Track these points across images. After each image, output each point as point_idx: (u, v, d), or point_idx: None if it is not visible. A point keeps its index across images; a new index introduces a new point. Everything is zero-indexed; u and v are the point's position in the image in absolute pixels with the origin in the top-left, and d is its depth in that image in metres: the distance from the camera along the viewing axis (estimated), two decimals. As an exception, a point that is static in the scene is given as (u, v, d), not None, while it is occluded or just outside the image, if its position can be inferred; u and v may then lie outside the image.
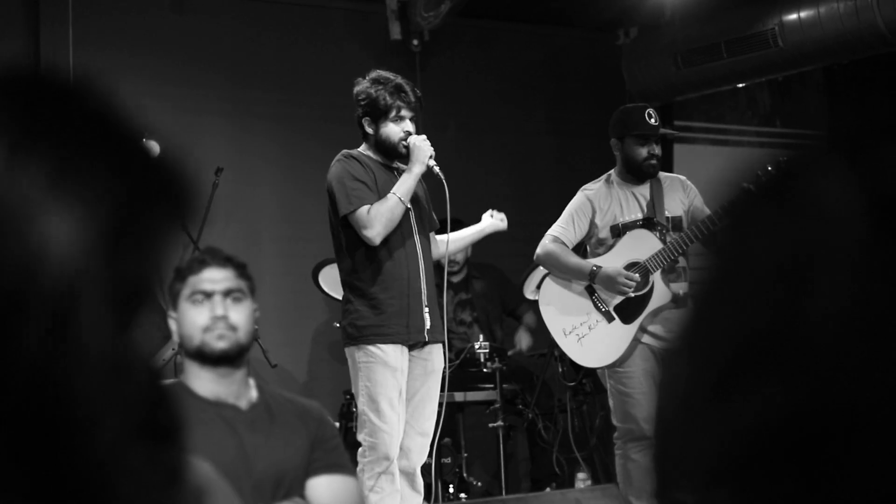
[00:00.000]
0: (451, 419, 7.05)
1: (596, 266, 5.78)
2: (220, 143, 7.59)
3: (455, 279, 7.82)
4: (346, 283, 5.35)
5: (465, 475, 6.96)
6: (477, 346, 6.87)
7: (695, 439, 0.87)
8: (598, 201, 5.93)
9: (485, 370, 6.85)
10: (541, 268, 7.25)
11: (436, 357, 5.33)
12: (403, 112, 5.31)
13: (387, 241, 5.21)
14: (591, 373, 7.33)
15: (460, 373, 6.99)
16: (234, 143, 7.82)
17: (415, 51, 8.27)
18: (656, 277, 5.77)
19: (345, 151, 5.37)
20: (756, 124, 10.08)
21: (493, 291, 7.85)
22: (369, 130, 5.35)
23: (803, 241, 0.83)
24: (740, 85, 9.23)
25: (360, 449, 5.17)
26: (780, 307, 0.83)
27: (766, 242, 0.85)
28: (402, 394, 5.17)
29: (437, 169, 5.35)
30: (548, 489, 7.32)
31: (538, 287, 7.30)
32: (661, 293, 5.78)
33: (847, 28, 7.59)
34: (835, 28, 7.66)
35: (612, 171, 6.05)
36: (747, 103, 10.05)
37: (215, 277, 3.45)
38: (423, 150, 5.28)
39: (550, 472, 7.36)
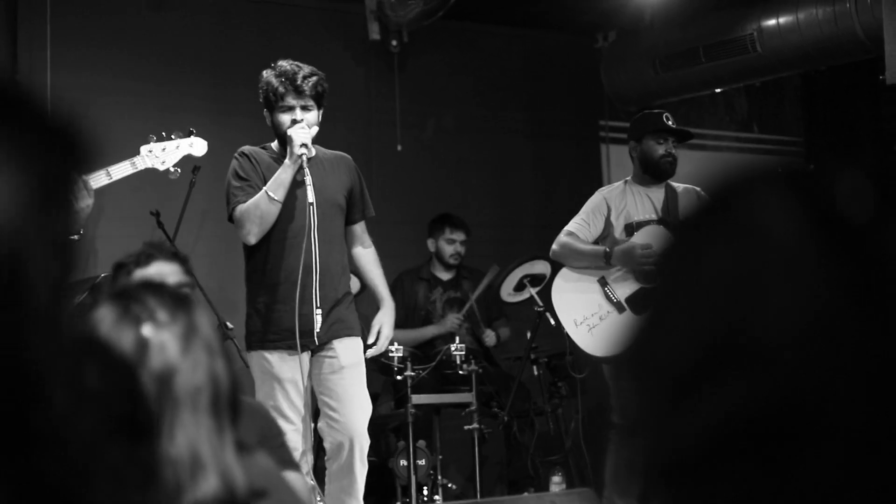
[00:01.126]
0: (427, 421, 7.04)
1: (609, 248, 5.91)
2: (198, 141, 7.55)
3: (444, 276, 7.82)
4: (246, 287, 5.29)
5: (439, 478, 6.95)
6: (453, 349, 6.86)
7: (655, 445, 0.89)
8: (613, 201, 6.11)
9: (461, 372, 6.83)
10: (517, 270, 7.27)
11: (343, 352, 5.12)
12: (289, 100, 5.11)
13: (277, 240, 5.08)
14: (567, 376, 7.34)
15: (436, 375, 6.98)
16: (213, 142, 7.77)
17: (393, 51, 8.26)
18: None
19: (241, 148, 5.27)
20: (734, 129, 10.11)
21: (480, 295, 7.85)
22: (268, 123, 5.25)
23: (749, 254, 0.86)
24: (718, 90, 9.25)
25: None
26: (731, 318, 0.86)
27: (714, 258, 0.88)
28: (297, 403, 5.06)
29: (303, 159, 5.02)
30: (525, 493, 7.31)
31: (515, 289, 7.32)
32: None
33: (825, 34, 7.62)
34: (813, 34, 7.69)
35: (628, 177, 6.26)
36: (725, 108, 10.08)
37: (164, 271, 3.42)
38: (294, 139, 5.01)
39: (525, 475, 7.35)
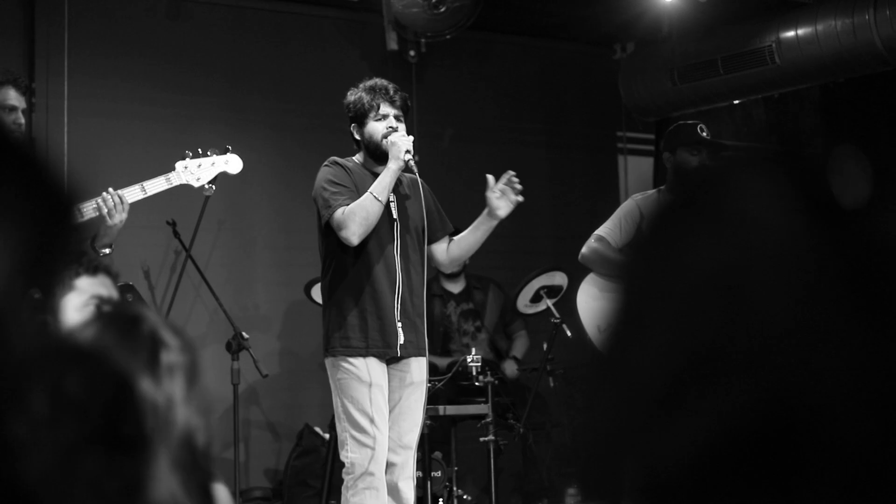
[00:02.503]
0: (443, 433, 7.01)
1: None
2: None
3: (455, 289, 7.79)
4: (323, 293, 5.31)
5: (455, 489, 6.92)
6: (469, 360, 6.83)
7: (639, 464, 0.85)
8: (646, 209, 6.12)
9: (477, 384, 6.81)
10: (534, 281, 7.25)
11: (414, 369, 5.21)
12: (384, 109, 5.19)
13: (363, 251, 5.11)
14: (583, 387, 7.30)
15: (452, 386, 6.96)
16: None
17: (411, 62, 8.26)
18: None
19: (331, 158, 5.32)
20: (751, 141, 10.07)
21: (493, 302, 7.83)
22: (357, 136, 5.29)
23: (736, 248, 0.81)
24: (736, 101, 9.22)
25: (344, 467, 5.11)
26: (723, 316, 0.81)
27: (696, 253, 0.83)
28: (382, 408, 5.08)
29: (411, 162, 5.11)
30: (538, 504, 7.29)
31: (532, 301, 7.30)
32: None
33: (844, 46, 7.59)
34: (832, 46, 7.66)
35: (662, 187, 6.32)
36: (743, 119, 10.04)
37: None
38: (398, 145, 5.08)
39: (541, 487, 7.32)
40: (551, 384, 7.37)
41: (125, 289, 5.83)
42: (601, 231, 6.12)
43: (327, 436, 6.96)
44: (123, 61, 7.45)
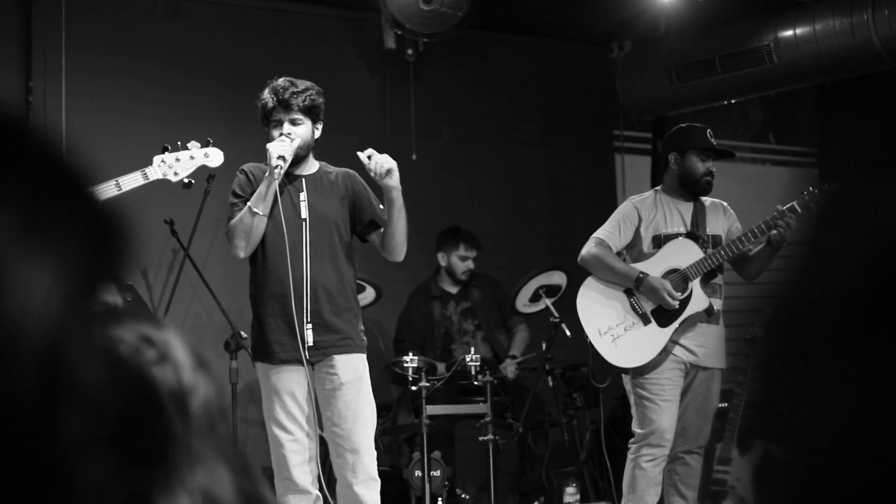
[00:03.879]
0: (442, 432, 7.02)
1: (643, 273, 5.89)
2: (213, 149, 7.53)
3: (453, 289, 7.79)
4: (250, 301, 5.31)
5: (454, 488, 6.92)
6: (468, 359, 6.83)
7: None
8: (644, 211, 6.08)
9: (475, 383, 6.81)
10: (533, 281, 7.25)
11: (342, 369, 5.10)
12: (277, 114, 5.14)
13: (271, 254, 5.09)
14: (582, 387, 7.31)
15: (451, 385, 6.96)
16: (227, 150, 7.76)
17: (409, 60, 8.24)
18: (695, 285, 5.93)
19: (243, 165, 5.29)
20: (748, 140, 10.08)
21: (490, 299, 7.83)
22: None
23: None
24: (732, 101, 9.21)
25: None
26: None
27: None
28: (294, 413, 5.05)
29: (276, 171, 4.99)
30: (536, 503, 7.29)
31: (531, 300, 7.30)
32: (699, 299, 5.94)
33: (842, 45, 7.58)
34: (830, 45, 7.65)
35: (658, 187, 6.22)
36: (739, 119, 10.04)
37: None
38: (269, 151, 5.02)
39: (539, 486, 7.32)
40: (550, 383, 7.37)
41: (124, 288, 5.82)
42: (600, 234, 6.08)
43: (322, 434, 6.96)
44: (121, 60, 7.43)
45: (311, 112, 5.19)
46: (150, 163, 5.22)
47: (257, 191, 5.06)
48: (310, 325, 5.06)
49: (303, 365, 5.07)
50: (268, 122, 5.18)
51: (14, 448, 0.81)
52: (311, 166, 5.26)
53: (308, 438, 5.09)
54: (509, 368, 7.54)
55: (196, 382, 1.31)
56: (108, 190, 5.00)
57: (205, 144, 5.36)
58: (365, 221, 5.28)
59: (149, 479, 1.10)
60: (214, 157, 5.37)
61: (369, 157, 5.10)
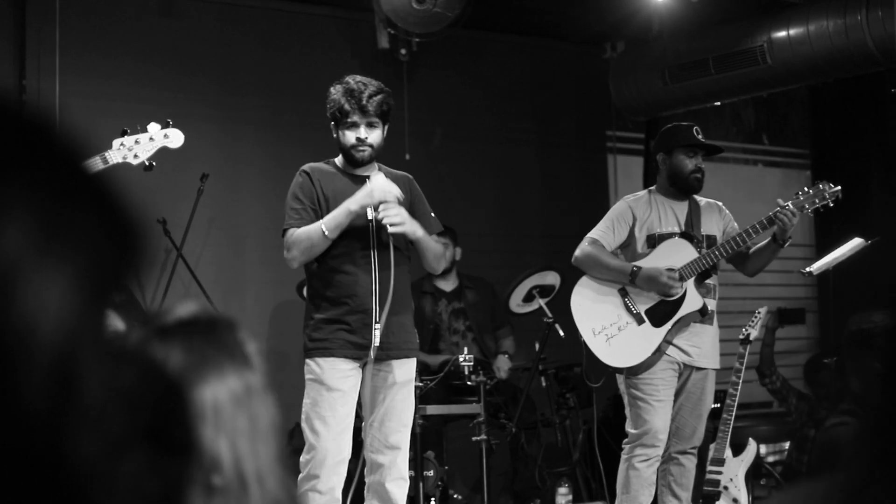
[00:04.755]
0: (435, 432, 7.01)
1: (637, 266, 5.89)
2: (207, 148, 7.53)
3: (447, 287, 7.78)
4: (307, 295, 5.30)
5: (446, 488, 6.92)
6: (461, 359, 6.83)
7: None
8: (638, 210, 6.06)
9: (469, 383, 6.81)
10: (526, 281, 7.24)
11: (398, 369, 5.15)
12: (354, 117, 5.11)
13: (340, 253, 5.07)
14: (575, 387, 7.31)
15: (444, 385, 6.96)
16: (221, 149, 7.77)
17: (402, 60, 8.24)
18: (689, 284, 5.92)
19: (305, 167, 5.26)
20: (741, 140, 10.09)
21: (483, 302, 7.83)
22: (335, 136, 5.24)
23: None
24: (724, 102, 9.22)
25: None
26: None
27: None
28: (341, 413, 5.02)
29: (372, 217, 5.02)
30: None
31: (524, 300, 7.29)
32: (693, 299, 5.92)
33: (836, 46, 7.60)
34: (824, 46, 7.66)
35: (652, 187, 6.21)
36: (732, 119, 10.06)
37: None
38: (373, 194, 5.02)
39: (532, 486, 7.32)
40: (543, 384, 7.37)
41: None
42: (594, 234, 6.07)
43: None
44: (115, 60, 7.42)
45: (386, 116, 5.20)
46: (110, 146, 5.08)
47: (336, 216, 5.01)
48: (378, 327, 5.06)
49: (364, 365, 5.08)
50: (339, 123, 5.15)
51: (26, 450, 0.81)
52: (373, 166, 5.26)
53: (345, 440, 5.07)
54: (502, 364, 7.54)
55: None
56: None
57: (164, 125, 5.20)
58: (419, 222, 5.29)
59: (175, 472, 1.10)
60: (174, 138, 5.20)
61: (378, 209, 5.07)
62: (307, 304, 5.25)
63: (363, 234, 5.11)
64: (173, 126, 5.19)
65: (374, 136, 5.16)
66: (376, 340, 5.06)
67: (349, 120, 5.11)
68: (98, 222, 0.87)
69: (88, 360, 0.84)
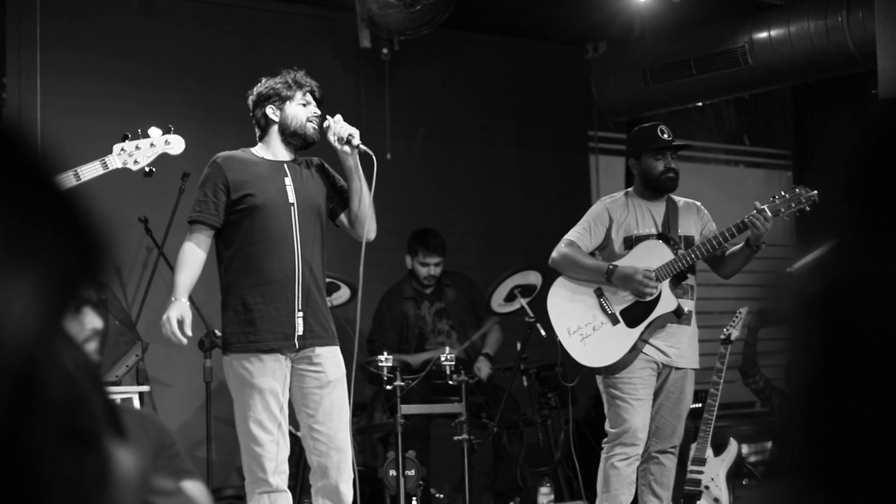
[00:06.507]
0: (416, 431, 7.00)
1: (613, 265, 5.91)
2: (187, 147, 7.48)
3: (427, 290, 7.78)
4: (222, 287, 5.23)
5: (428, 487, 6.92)
6: (443, 359, 6.83)
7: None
8: (615, 212, 6.08)
9: (450, 382, 6.81)
10: (508, 280, 7.24)
11: (329, 366, 5.08)
12: (305, 97, 5.41)
13: (257, 243, 5.05)
14: (557, 386, 7.31)
15: (426, 385, 6.95)
16: (201, 148, 7.74)
17: (384, 59, 8.23)
18: (664, 286, 5.94)
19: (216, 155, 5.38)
20: (723, 141, 10.11)
21: (464, 298, 7.82)
22: (275, 118, 5.37)
23: None
24: (706, 102, 9.24)
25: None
26: None
27: None
28: (275, 412, 4.99)
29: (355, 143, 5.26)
30: (511, 503, 7.29)
31: (506, 300, 7.29)
32: (667, 301, 5.94)
33: (817, 47, 7.62)
34: (805, 47, 7.69)
35: (630, 189, 6.22)
36: (714, 120, 10.08)
37: None
38: (337, 126, 5.34)
39: (514, 486, 7.33)
40: (524, 383, 7.37)
41: (98, 286, 5.78)
42: (571, 235, 6.10)
43: (300, 434, 6.94)
44: (96, 58, 7.40)
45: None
46: (110, 151, 5.06)
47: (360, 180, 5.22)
48: (300, 314, 5.04)
49: (287, 356, 5.03)
50: (287, 101, 5.36)
51: None
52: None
53: (284, 437, 5.05)
54: (483, 367, 7.54)
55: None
56: (66, 181, 4.82)
57: (166, 131, 5.21)
58: (340, 193, 5.32)
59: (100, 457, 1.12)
60: (175, 145, 5.23)
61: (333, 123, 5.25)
62: (226, 297, 5.20)
63: (283, 216, 5.11)
64: (174, 132, 5.21)
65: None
66: (299, 329, 5.04)
67: (300, 100, 5.34)
68: (58, 233, 0.88)
69: (49, 364, 0.85)
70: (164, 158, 5.28)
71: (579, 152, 9.55)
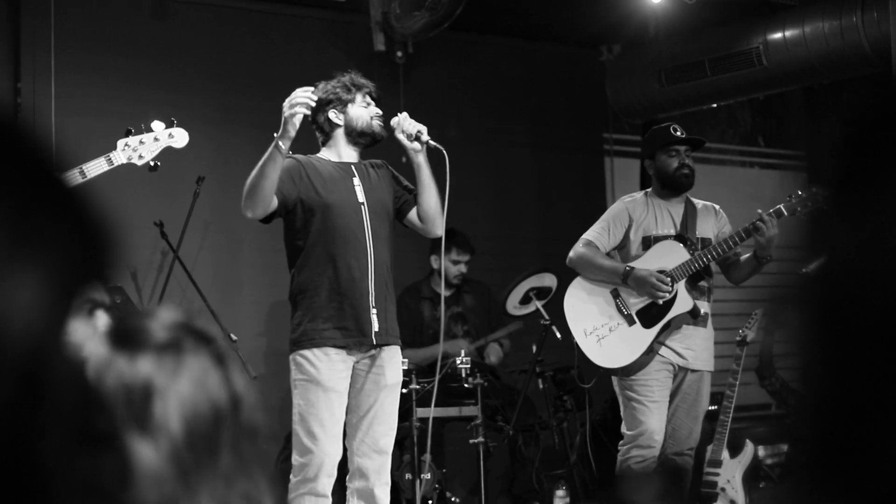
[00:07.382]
0: (432, 435, 6.99)
1: (629, 266, 5.88)
2: (202, 151, 7.51)
3: (447, 293, 7.78)
4: (291, 291, 5.20)
5: (444, 491, 6.91)
6: (458, 362, 6.82)
7: None
8: (635, 212, 6.08)
9: (466, 385, 6.80)
10: (524, 283, 7.23)
11: (388, 370, 5.10)
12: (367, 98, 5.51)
13: (331, 241, 5.07)
14: (572, 389, 7.30)
15: (441, 388, 6.94)
16: (216, 152, 7.75)
17: (398, 62, 8.23)
18: (680, 286, 5.92)
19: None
20: (737, 143, 10.09)
21: (481, 306, 7.82)
22: (339, 122, 5.42)
23: None
24: (719, 104, 9.22)
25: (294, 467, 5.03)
26: None
27: None
28: (337, 412, 4.98)
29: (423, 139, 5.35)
30: (526, 506, 7.28)
31: (521, 302, 7.28)
32: (683, 301, 5.92)
33: (832, 48, 7.60)
34: (819, 48, 7.67)
35: (649, 189, 6.22)
36: (728, 122, 10.06)
37: None
38: (403, 124, 5.41)
39: (530, 489, 7.31)
40: (540, 386, 7.35)
41: (113, 290, 5.79)
42: (589, 235, 6.09)
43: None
44: (110, 60, 7.41)
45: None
46: (115, 147, 5.01)
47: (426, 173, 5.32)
48: (374, 310, 5.07)
49: (355, 355, 5.04)
50: (348, 103, 5.44)
51: None
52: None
53: (339, 440, 5.03)
54: (492, 354, 7.54)
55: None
56: (73, 178, 4.74)
57: (169, 125, 5.17)
58: (409, 202, 5.37)
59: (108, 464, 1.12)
60: (179, 138, 5.17)
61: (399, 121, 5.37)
62: (296, 296, 5.17)
63: (354, 214, 5.14)
64: (177, 125, 5.17)
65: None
66: (375, 325, 5.06)
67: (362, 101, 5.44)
68: (65, 227, 0.87)
69: (58, 360, 0.85)
70: (179, 163, 5.28)
71: (594, 154, 9.54)
